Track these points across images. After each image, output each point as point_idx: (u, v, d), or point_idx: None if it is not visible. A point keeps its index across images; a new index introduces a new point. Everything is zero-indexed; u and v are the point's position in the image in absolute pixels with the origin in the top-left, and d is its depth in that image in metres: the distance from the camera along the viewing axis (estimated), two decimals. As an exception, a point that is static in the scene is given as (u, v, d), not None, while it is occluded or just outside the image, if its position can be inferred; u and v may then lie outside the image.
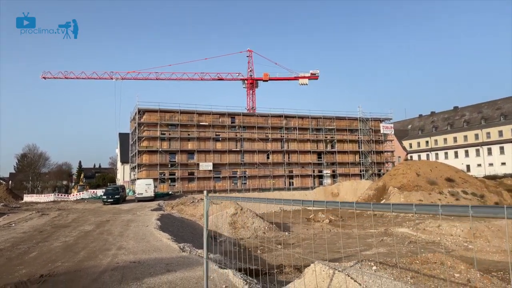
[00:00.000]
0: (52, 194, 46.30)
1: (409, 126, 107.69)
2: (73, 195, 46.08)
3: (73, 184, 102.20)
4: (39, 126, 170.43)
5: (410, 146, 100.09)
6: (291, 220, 39.44)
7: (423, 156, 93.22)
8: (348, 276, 4.84)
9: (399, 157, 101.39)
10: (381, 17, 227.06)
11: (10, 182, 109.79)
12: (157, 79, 67.09)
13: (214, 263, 10.33)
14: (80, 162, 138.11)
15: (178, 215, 30.28)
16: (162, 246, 12.73)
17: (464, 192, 44.10)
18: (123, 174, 73.63)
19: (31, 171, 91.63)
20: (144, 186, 37.25)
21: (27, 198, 46.44)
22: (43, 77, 67.22)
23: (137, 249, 12.28)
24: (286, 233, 29.44)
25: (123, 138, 68.07)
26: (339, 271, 4.98)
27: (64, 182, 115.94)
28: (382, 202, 44.62)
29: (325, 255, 20.20)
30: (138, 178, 48.54)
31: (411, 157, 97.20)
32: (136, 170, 53.86)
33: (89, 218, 23.11)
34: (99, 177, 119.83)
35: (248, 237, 27.48)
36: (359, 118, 62.80)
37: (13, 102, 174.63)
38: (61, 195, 47.80)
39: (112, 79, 66.95)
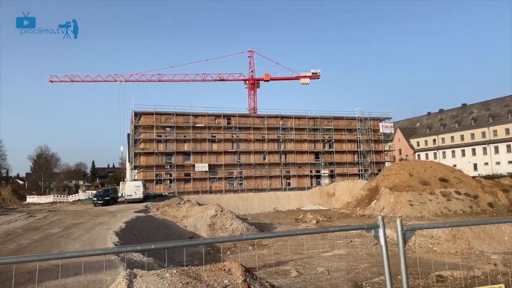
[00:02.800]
0: (52, 195, 48.18)
1: (418, 124, 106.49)
2: (72, 196, 47.86)
3: (85, 183, 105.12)
4: (51, 128, 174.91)
5: (418, 144, 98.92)
6: (270, 221, 40.10)
7: (431, 154, 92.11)
8: (126, 279, 5.52)
9: (407, 155, 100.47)
10: (387, 15, 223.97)
11: (26, 182, 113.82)
12: (159, 80, 68.53)
13: (124, 265, 11.07)
14: (93, 162, 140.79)
15: (161, 216, 31.27)
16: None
17: (457, 192, 43.70)
18: (131, 174, 75.66)
19: (43, 172, 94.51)
20: (133, 188, 38.44)
21: (30, 199, 48.40)
22: (50, 81, 69.34)
23: (75, 252, 13.13)
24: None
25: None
26: (127, 276, 5.67)
27: (80, 182, 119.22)
28: (373, 202, 44.73)
29: (287, 256, 20.89)
30: (134, 179, 49.98)
31: (418, 155, 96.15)
32: (135, 171, 55.39)
33: (66, 220, 24.25)
34: (111, 177, 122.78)
35: (224, 238, 28.28)
36: (357, 117, 62.68)
37: (22, 103, 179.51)
38: (60, 196, 49.62)
39: (116, 81, 68.63)
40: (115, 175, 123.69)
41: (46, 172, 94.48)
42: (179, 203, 36.20)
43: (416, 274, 12.12)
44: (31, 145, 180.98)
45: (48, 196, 48.31)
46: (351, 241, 26.10)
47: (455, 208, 40.88)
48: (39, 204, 44.03)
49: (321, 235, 30.04)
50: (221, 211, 30.89)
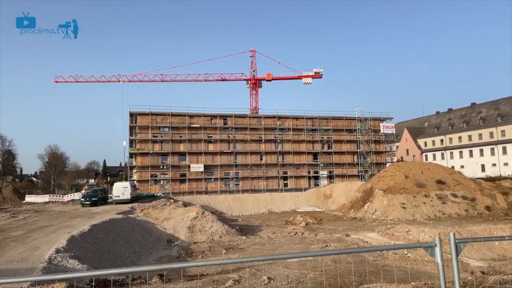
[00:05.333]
0: (48, 195, 48.85)
1: (426, 124, 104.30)
2: (68, 196, 48.46)
3: (97, 181, 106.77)
4: (59, 128, 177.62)
5: (425, 144, 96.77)
6: (260, 223, 39.68)
7: (438, 155, 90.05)
8: None
9: (414, 156, 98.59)
10: (393, 13, 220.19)
11: (40, 181, 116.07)
12: (162, 81, 68.85)
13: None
14: (104, 161, 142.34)
15: (143, 218, 31.27)
16: (35, 256, 13.48)
17: (454, 195, 42.54)
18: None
19: (53, 171, 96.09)
20: (121, 189, 38.61)
21: (28, 198, 49.15)
22: (55, 81, 70.69)
23: (10, 258, 13.11)
24: (244, 237, 29.73)
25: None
26: None
27: (91, 181, 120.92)
28: (366, 204, 43.92)
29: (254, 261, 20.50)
30: (131, 180, 50.32)
31: (426, 156, 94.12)
32: (133, 171, 55.76)
33: (40, 222, 24.42)
34: (122, 175, 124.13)
35: (202, 241, 28.07)
36: (357, 117, 61.62)
37: (27, 103, 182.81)
38: (56, 195, 50.25)
39: (119, 81, 69.37)
40: (125, 173, 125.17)
41: (55, 171, 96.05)
42: (164, 204, 36.19)
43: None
44: (38, 145, 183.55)
45: (44, 196, 49.03)
46: (327, 245, 25.62)
47: (450, 212, 39.81)
48: (34, 203, 44.66)
49: (299, 239, 29.62)
50: (202, 213, 30.69)
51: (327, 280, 14.29)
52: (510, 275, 11.22)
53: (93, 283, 10.70)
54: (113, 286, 12.52)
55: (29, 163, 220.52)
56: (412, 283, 11.88)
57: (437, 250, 4.21)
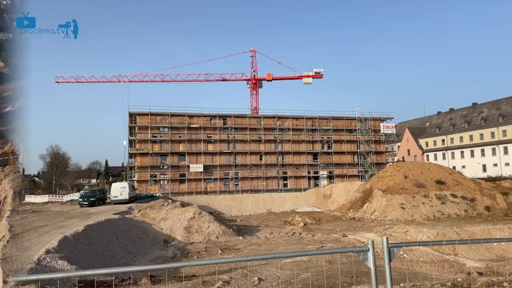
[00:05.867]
0: (47, 195, 48.94)
1: (427, 124, 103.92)
2: (67, 196, 48.53)
3: (99, 181, 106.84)
4: (61, 128, 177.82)
5: (427, 144, 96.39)
6: (258, 223, 39.59)
7: (439, 155, 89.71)
8: None
9: (415, 156, 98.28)
10: (393, 14, 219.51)
11: (42, 181, 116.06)
12: (162, 81, 68.84)
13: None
14: (106, 161, 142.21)
15: (140, 218, 31.24)
16: (24, 257, 13.46)
17: (453, 195, 42.33)
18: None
19: (54, 171, 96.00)
20: (119, 189, 38.59)
21: (28, 198, 49.12)
22: (56, 82, 70.91)
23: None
24: (241, 237, 29.66)
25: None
26: None
27: (93, 181, 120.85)
28: (365, 205, 43.76)
29: (248, 261, 20.42)
30: (130, 180, 50.34)
31: (427, 156, 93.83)
32: (133, 171, 55.76)
33: (36, 222, 24.44)
34: (123, 175, 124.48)
35: (199, 242, 28.02)
36: (357, 117, 61.42)
37: (29, 103, 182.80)
38: (56, 196, 50.30)
39: (120, 82, 69.50)
40: (125, 174, 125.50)
41: (57, 171, 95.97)
42: (162, 204, 36.17)
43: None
44: (40, 145, 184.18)
45: (43, 196, 49.10)
46: (323, 245, 25.51)
47: (449, 212, 39.63)
48: (33, 203, 44.67)
49: (296, 239, 29.52)
50: (199, 213, 30.64)
51: (317, 281, 14.23)
52: (500, 277, 11.11)
53: (79, 284, 10.64)
54: (101, 287, 12.49)
55: (31, 163, 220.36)
56: (401, 284, 11.79)
57: (370, 254, 4.16)
